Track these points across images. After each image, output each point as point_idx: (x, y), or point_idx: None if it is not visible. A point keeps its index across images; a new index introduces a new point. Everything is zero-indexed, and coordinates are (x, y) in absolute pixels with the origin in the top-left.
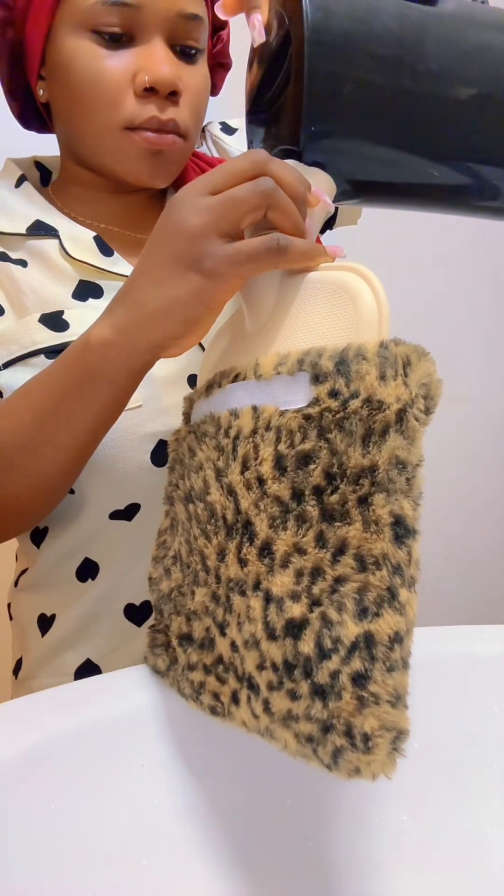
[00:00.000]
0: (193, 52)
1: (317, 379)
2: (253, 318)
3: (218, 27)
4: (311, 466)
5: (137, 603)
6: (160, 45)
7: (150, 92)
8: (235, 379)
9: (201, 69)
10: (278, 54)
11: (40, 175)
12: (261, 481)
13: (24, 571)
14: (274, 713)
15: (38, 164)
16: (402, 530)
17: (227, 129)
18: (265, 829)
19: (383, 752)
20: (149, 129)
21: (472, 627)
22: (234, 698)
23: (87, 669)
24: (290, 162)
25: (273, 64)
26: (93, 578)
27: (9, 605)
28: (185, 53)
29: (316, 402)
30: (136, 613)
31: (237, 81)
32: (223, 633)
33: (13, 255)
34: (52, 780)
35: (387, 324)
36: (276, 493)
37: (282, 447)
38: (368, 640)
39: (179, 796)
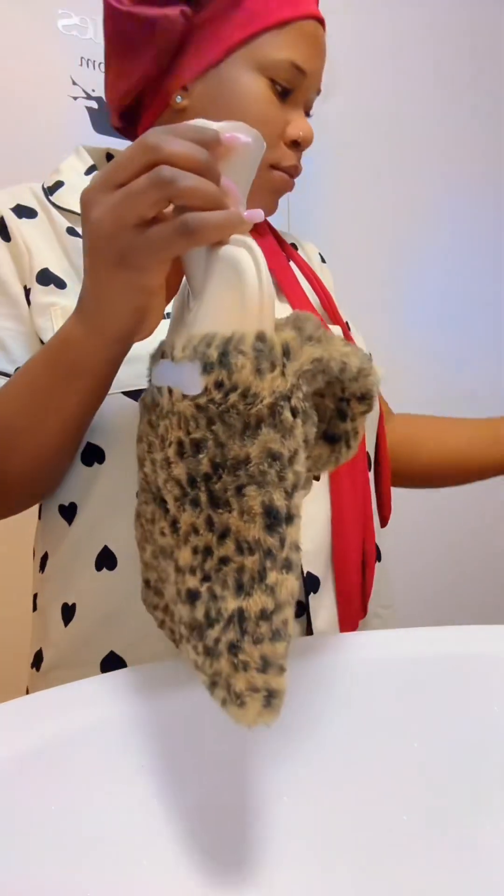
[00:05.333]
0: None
1: (205, 369)
2: (192, 292)
3: None
4: (201, 455)
5: None
6: (302, 109)
7: (295, 144)
8: (163, 355)
9: None
10: None
11: None
12: (168, 462)
13: (45, 556)
14: (192, 660)
15: (110, 157)
16: (272, 519)
17: None
18: (264, 827)
19: (254, 708)
20: (288, 172)
21: (472, 627)
22: (179, 638)
23: (112, 661)
24: (193, 122)
25: None
26: (109, 569)
27: (35, 596)
28: (307, 114)
29: (205, 391)
30: None
31: None
32: (164, 585)
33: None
34: (52, 781)
35: (268, 306)
36: (176, 477)
37: (181, 433)
38: (241, 614)
39: (178, 796)
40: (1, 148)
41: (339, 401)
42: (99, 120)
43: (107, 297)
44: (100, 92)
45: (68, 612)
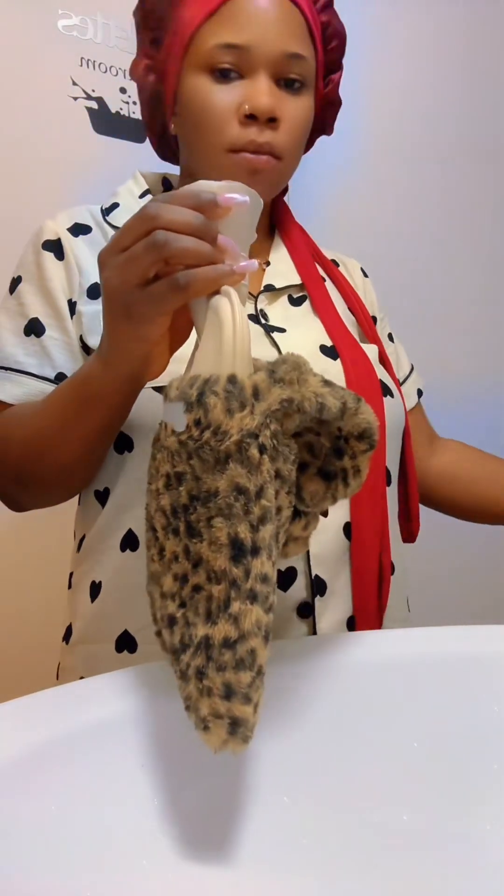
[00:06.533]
0: (297, 84)
1: (188, 408)
2: (197, 337)
3: (331, 70)
4: (181, 487)
5: None
6: (263, 79)
7: (251, 119)
8: (166, 395)
9: (304, 100)
10: None
11: (164, 191)
12: (158, 493)
13: (83, 538)
14: (177, 683)
15: (166, 181)
16: (237, 551)
17: None
18: (263, 827)
19: (217, 734)
20: (247, 150)
21: (472, 627)
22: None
23: (126, 639)
24: (194, 185)
25: None
26: (132, 550)
27: (71, 574)
28: (288, 85)
29: (187, 428)
30: None
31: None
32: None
33: None
34: (53, 781)
35: (242, 350)
36: (163, 507)
37: (168, 466)
38: (207, 641)
39: (179, 796)
40: (1, 148)
41: (336, 439)
42: (99, 120)
43: (117, 344)
44: (99, 92)
45: (95, 590)
